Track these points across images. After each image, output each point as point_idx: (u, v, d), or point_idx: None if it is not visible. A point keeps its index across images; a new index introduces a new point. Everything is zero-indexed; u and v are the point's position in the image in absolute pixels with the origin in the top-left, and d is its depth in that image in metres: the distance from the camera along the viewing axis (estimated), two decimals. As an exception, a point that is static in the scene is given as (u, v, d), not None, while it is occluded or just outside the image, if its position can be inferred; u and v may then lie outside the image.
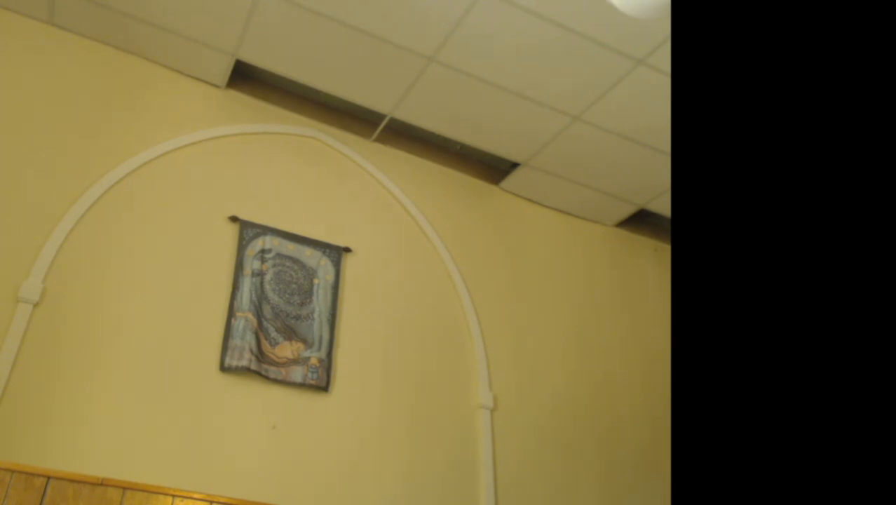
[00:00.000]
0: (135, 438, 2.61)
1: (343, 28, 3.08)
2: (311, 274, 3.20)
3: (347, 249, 3.36)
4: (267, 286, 3.08)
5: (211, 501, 2.57)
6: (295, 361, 2.99)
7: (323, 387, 3.00)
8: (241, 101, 3.47)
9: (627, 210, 4.16)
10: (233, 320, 2.93)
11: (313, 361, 3.03)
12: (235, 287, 3.01)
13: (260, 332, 2.97)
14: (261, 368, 2.90)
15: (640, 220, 4.32)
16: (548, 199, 4.10)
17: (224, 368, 2.84)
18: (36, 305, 2.64)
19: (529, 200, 4.11)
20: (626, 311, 4.09)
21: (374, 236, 3.49)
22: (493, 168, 3.98)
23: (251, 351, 2.90)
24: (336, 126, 3.65)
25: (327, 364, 3.05)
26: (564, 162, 3.77)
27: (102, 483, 2.43)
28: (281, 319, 3.05)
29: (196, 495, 2.56)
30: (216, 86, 3.44)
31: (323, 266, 3.25)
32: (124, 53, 3.29)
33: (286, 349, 3.00)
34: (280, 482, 2.77)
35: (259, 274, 3.08)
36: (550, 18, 2.96)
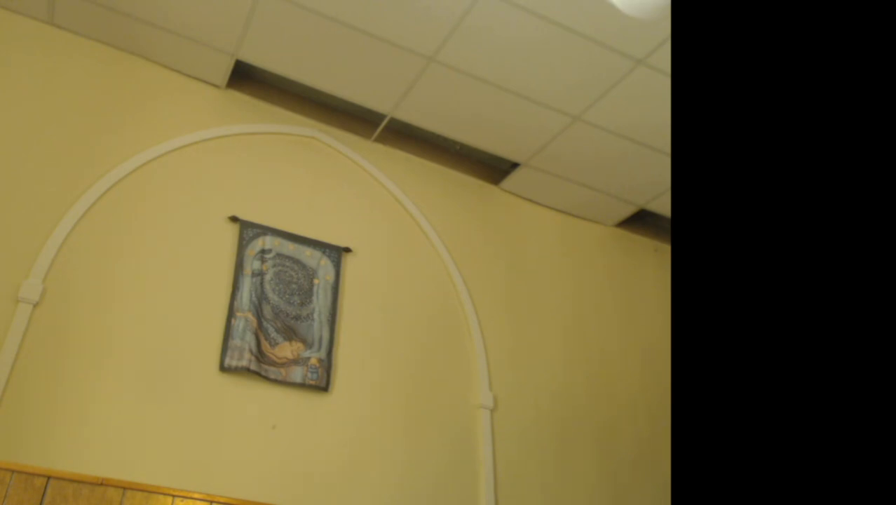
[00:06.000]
0: (135, 438, 2.61)
1: (343, 28, 3.08)
2: (311, 274, 3.21)
3: (347, 249, 3.36)
4: (267, 286, 3.08)
5: (211, 501, 2.57)
6: (295, 362, 2.99)
7: (323, 387, 3.00)
8: (241, 101, 3.47)
9: (627, 210, 4.16)
10: (233, 320, 2.93)
11: (313, 361, 3.03)
12: (235, 287, 3.01)
13: (260, 332, 2.97)
14: (260, 369, 2.90)
15: (640, 220, 4.32)
16: (548, 200, 4.10)
17: (224, 369, 2.84)
18: (36, 305, 2.65)
19: (529, 200, 4.11)
20: (626, 311, 4.09)
21: (374, 236, 3.49)
22: (493, 168, 3.98)
23: (251, 351, 2.90)
24: (336, 126, 3.65)
25: (327, 364, 3.05)
26: (564, 162, 3.77)
27: (102, 483, 2.43)
28: (281, 319, 3.05)
29: (196, 495, 2.56)
30: (216, 86, 3.44)
31: (323, 266, 3.25)
32: (124, 53, 3.29)
33: (286, 349, 3.00)
34: (280, 482, 2.77)
35: (259, 274, 3.08)
36: (550, 18, 2.96)
